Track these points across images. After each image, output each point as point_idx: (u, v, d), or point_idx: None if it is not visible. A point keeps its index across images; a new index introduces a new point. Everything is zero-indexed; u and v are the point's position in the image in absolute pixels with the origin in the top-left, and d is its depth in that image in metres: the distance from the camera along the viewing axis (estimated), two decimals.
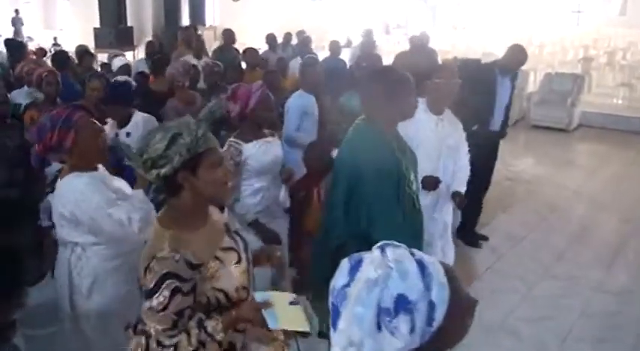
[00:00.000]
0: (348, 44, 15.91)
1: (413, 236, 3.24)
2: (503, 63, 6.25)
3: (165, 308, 2.12)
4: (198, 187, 2.25)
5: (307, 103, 5.90)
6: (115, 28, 17.68)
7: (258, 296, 2.26)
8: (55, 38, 20.77)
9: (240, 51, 10.01)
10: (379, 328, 1.37)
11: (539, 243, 6.65)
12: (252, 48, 9.64)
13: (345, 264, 1.49)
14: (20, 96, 6.38)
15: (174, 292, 2.11)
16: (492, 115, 6.18)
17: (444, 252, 4.51)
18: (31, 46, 14.23)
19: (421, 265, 1.42)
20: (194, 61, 8.86)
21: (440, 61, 10.46)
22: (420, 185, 3.66)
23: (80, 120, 3.16)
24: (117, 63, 7.43)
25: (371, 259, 1.44)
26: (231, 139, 4.08)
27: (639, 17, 34.22)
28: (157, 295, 2.11)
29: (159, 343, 2.17)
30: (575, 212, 7.73)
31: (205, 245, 2.25)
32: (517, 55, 6.18)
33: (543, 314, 5.14)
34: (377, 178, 3.08)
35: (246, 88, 4.18)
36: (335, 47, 10.33)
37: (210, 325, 2.19)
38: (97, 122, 3.27)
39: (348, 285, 1.43)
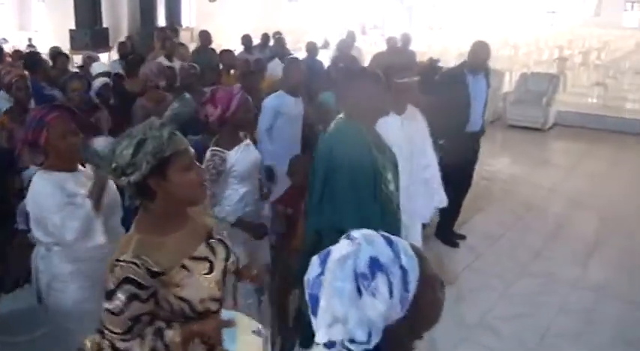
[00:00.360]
0: (325, 45, 15.94)
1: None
2: (469, 62, 6.29)
3: (120, 312, 2.10)
4: (171, 191, 2.21)
5: (283, 103, 5.86)
6: (90, 29, 17.51)
7: (225, 314, 2.24)
8: (29, 39, 20.56)
9: (217, 52, 10.01)
10: (360, 293, 1.42)
11: (516, 241, 6.70)
12: (228, 50, 9.64)
13: (314, 259, 1.54)
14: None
15: (131, 298, 2.09)
16: (469, 117, 6.19)
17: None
18: (6, 48, 14.05)
19: (387, 239, 1.52)
20: (166, 63, 8.84)
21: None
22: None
23: (52, 119, 3.15)
24: (97, 68, 7.26)
25: (339, 245, 1.52)
26: (213, 147, 3.97)
27: (613, 18, 34.71)
28: (113, 298, 2.10)
29: (112, 345, 2.15)
30: (552, 210, 7.81)
31: (173, 252, 2.20)
32: (478, 52, 6.21)
33: (521, 311, 5.18)
34: (351, 173, 3.13)
35: (226, 91, 4.11)
36: (311, 48, 10.35)
37: (168, 334, 2.16)
38: (69, 122, 3.22)
39: (321, 273, 1.49)
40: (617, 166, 10.02)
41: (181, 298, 2.20)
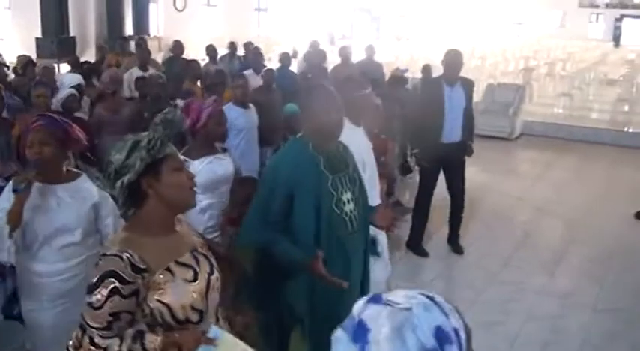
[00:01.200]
0: (294, 55, 15.97)
1: (341, 256, 3.15)
2: (444, 72, 6.36)
3: (101, 307, 2.10)
4: (162, 193, 2.26)
5: (230, 116, 5.79)
6: (57, 38, 17.36)
7: (212, 331, 2.20)
8: None
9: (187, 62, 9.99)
10: None
11: (484, 250, 6.76)
12: (194, 60, 9.60)
13: (341, 334, 1.29)
14: None
15: (113, 292, 2.10)
16: (442, 127, 6.21)
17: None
18: None
19: (428, 296, 1.30)
20: (140, 73, 8.80)
21: (385, 73, 10.66)
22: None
23: (33, 128, 3.26)
24: (68, 80, 7.03)
25: (374, 312, 1.26)
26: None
27: (578, 29, 35.27)
28: (95, 291, 2.11)
29: (91, 340, 2.13)
30: (519, 219, 7.89)
31: (159, 253, 2.22)
32: (451, 62, 6.24)
33: (492, 319, 5.22)
34: (290, 191, 3.05)
35: (199, 102, 4.17)
36: (284, 58, 10.36)
37: (148, 339, 2.16)
38: (44, 133, 3.25)
39: (363, 349, 1.23)
40: (583, 175, 10.17)
41: (162, 302, 2.20)
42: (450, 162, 6.44)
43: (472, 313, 5.32)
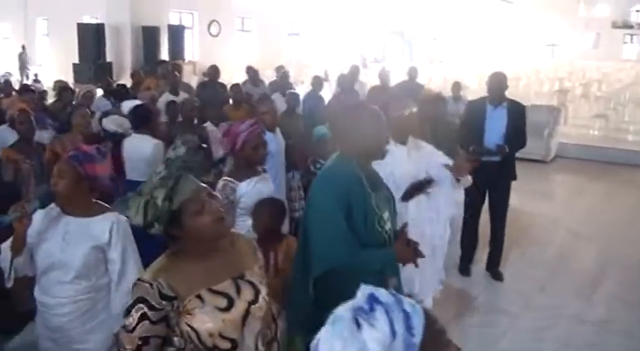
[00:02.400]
0: (326, 78, 16.04)
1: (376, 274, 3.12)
2: (488, 94, 6.43)
3: (132, 330, 2.19)
4: (191, 235, 2.32)
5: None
6: (94, 64, 17.71)
7: None
8: (35, 75, 20.75)
9: (226, 87, 10.10)
10: (358, 326, 1.38)
11: (519, 274, 6.68)
12: (237, 84, 9.63)
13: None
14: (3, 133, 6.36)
15: (142, 317, 2.18)
16: (481, 143, 6.24)
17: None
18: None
19: (391, 292, 1.47)
20: (171, 97, 8.91)
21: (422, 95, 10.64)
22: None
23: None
24: (103, 104, 7.03)
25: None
26: (226, 177, 4.13)
27: (612, 50, 34.96)
28: (129, 315, 2.21)
29: None
30: (554, 243, 7.79)
31: (194, 279, 2.28)
32: (491, 84, 6.35)
33: (527, 347, 5.16)
34: (348, 207, 3.02)
35: (237, 125, 4.23)
36: (316, 82, 10.41)
37: None
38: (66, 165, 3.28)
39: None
40: (618, 198, 10.02)
41: (191, 327, 2.24)
42: (494, 185, 6.41)
43: (507, 340, 5.27)
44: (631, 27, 37.21)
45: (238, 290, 2.34)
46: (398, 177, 4.09)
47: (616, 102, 16.93)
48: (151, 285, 2.21)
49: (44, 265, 3.23)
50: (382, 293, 1.45)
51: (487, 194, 6.53)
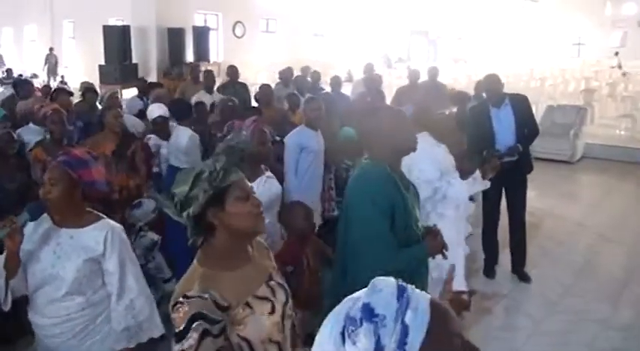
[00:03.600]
0: (350, 79, 16.02)
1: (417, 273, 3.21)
2: (487, 97, 6.49)
3: None
4: (229, 223, 2.23)
5: (305, 137, 5.83)
6: (120, 65, 17.83)
7: None
8: (62, 76, 20.96)
9: (246, 87, 10.14)
10: (343, 339, 1.32)
11: (544, 277, 6.62)
12: (266, 84, 9.63)
13: None
14: (26, 133, 6.41)
15: (204, 334, 2.00)
16: (493, 147, 6.20)
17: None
18: (36, 84, 14.33)
19: (401, 289, 1.38)
20: (207, 96, 8.95)
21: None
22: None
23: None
24: (155, 111, 7.01)
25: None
26: None
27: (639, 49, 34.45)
28: (186, 337, 2.00)
29: None
30: (580, 245, 7.71)
31: (238, 288, 2.20)
32: (488, 86, 6.45)
33: None
34: (392, 212, 3.04)
35: (239, 124, 4.22)
36: (335, 82, 10.38)
37: None
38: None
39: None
40: None
41: (242, 338, 2.16)
42: (510, 182, 6.38)
43: (531, 344, 5.23)
44: None
45: (274, 293, 2.32)
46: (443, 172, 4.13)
47: None
48: (205, 298, 2.05)
49: (35, 282, 3.02)
50: (382, 299, 1.34)
51: (504, 193, 6.52)
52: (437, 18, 32.37)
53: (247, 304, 2.19)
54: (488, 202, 6.56)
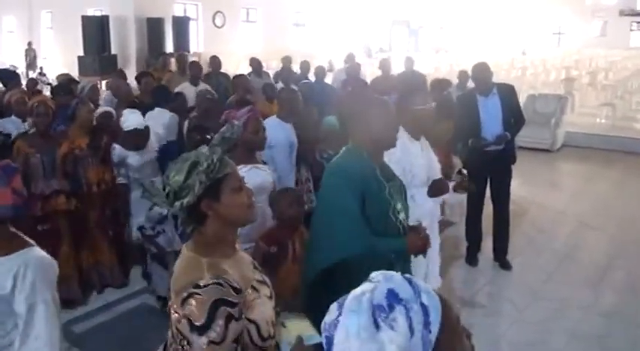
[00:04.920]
0: (331, 68, 15.98)
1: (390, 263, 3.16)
2: (475, 86, 6.48)
3: (224, 338, 1.98)
4: (223, 213, 2.22)
5: (274, 134, 5.58)
6: (99, 56, 17.68)
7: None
8: (41, 68, 20.75)
9: (229, 78, 10.05)
10: (377, 327, 1.34)
11: (526, 265, 6.64)
12: (242, 75, 9.56)
13: (334, 305, 1.47)
14: (8, 125, 6.36)
15: (229, 319, 2.00)
16: (480, 134, 6.23)
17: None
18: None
19: (408, 278, 1.44)
20: (192, 88, 8.84)
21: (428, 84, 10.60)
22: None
23: None
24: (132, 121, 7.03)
25: (361, 286, 1.45)
26: None
27: (619, 38, 34.76)
28: (212, 327, 1.97)
29: None
30: (562, 233, 7.75)
31: (241, 273, 2.20)
32: (476, 75, 6.39)
33: (534, 338, 5.11)
34: (355, 201, 3.02)
35: (234, 112, 4.20)
36: (319, 72, 10.34)
37: None
38: None
39: (339, 315, 1.41)
40: (626, 187, 9.96)
41: (250, 321, 2.15)
42: (495, 171, 6.41)
43: (514, 331, 5.23)
44: (638, 14, 36.95)
45: (263, 276, 2.35)
46: (415, 173, 4.07)
47: (623, 90, 16.85)
48: (220, 284, 2.03)
49: None
50: (399, 285, 1.40)
51: (489, 182, 6.53)
52: (418, 8, 32.39)
53: (253, 287, 2.22)
54: (473, 191, 6.56)
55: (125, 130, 5.94)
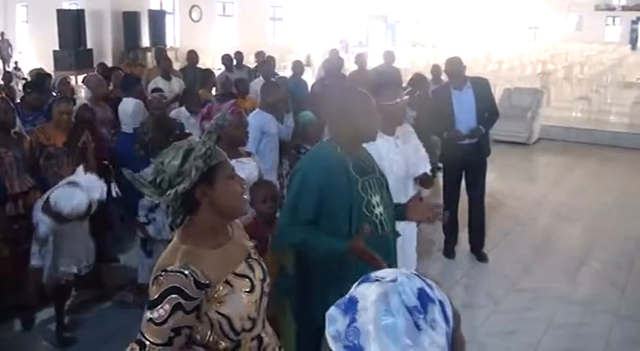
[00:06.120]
0: (309, 63, 15.97)
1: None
2: (449, 80, 6.52)
3: (164, 322, 2.03)
4: (216, 201, 2.23)
5: (264, 121, 5.78)
6: (74, 50, 17.51)
7: None
8: (16, 62, 20.50)
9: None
10: (419, 328, 1.30)
11: (503, 257, 6.69)
12: (208, 69, 9.56)
13: (333, 311, 1.40)
14: None
15: (176, 307, 2.04)
16: (454, 128, 6.25)
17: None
18: None
19: (417, 274, 1.41)
20: (164, 82, 8.82)
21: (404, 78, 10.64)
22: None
23: None
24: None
25: (363, 287, 1.38)
26: None
27: (594, 32, 35.09)
28: (158, 307, 2.04)
29: None
30: (538, 225, 7.81)
31: (218, 266, 2.20)
32: (450, 69, 6.41)
33: (512, 328, 5.16)
34: (320, 193, 3.04)
35: (219, 107, 4.16)
36: (298, 67, 10.31)
37: None
38: None
39: (354, 320, 1.34)
40: (602, 179, 10.05)
41: (222, 314, 2.17)
42: (470, 164, 6.45)
43: (491, 321, 5.28)
44: (613, 9, 37.34)
45: (252, 270, 2.32)
46: (387, 169, 4.06)
47: (598, 84, 16.98)
48: (184, 274, 2.07)
49: None
50: (424, 283, 1.37)
51: (464, 175, 6.57)
52: (395, 2, 32.43)
53: (227, 282, 2.20)
54: (449, 184, 6.61)
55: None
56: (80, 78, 14.78)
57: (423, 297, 1.32)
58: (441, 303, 1.35)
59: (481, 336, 5.02)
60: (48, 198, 4.47)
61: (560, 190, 9.44)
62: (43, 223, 4.61)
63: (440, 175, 6.89)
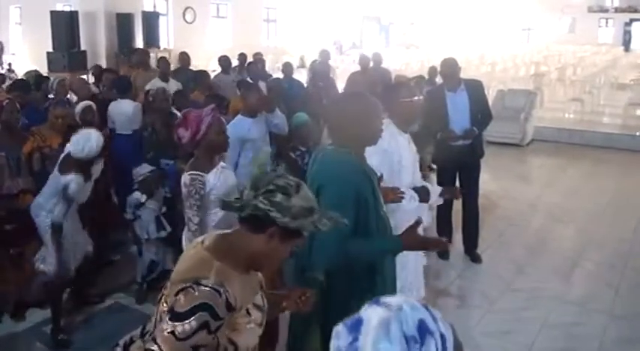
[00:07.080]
0: (302, 65, 15.97)
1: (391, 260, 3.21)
2: (443, 81, 6.57)
3: (186, 338, 1.92)
4: (264, 249, 2.12)
5: (244, 127, 5.72)
6: (68, 52, 17.45)
7: None
8: (9, 64, 20.43)
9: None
10: None
11: (497, 258, 6.72)
12: (203, 71, 9.55)
13: (340, 328, 1.41)
14: None
15: (203, 326, 1.93)
16: (447, 128, 6.28)
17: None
18: None
19: (425, 305, 1.42)
20: (161, 84, 8.78)
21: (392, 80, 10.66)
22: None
23: None
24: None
25: (372, 310, 1.39)
26: (191, 171, 3.85)
27: (588, 34, 35.19)
28: (184, 321, 1.93)
29: None
30: (532, 226, 7.84)
31: (244, 293, 2.12)
32: (444, 70, 6.46)
33: (506, 328, 5.18)
34: (357, 198, 2.96)
35: (197, 112, 4.03)
36: (287, 68, 10.30)
37: None
38: None
39: (355, 339, 1.35)
40: (595, 180, 10.10)
41: (232, 342, 2.08)
42: (464, 165, 6.48)
43: (486, 322, 5.30)
44: (606, 11, 37.48)
45: (263, 303, 2.27)
46: (404, 165, 4.07)
47: (591, 86, 17.04)
48: (219, 292, 1.97)
49: None
50: (426, 314, 1.37)
51: (457, 176, 6.57)
52: (389, 3, 32.47)
53: (247, 311, 2.13)
54: (443, 185, 6.61)
55: None
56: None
57: (423, 328, 1.34)
58: (442, 336, 1.36)
59: (476, 336, 5.03)
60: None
61: (553, 191, 9.47)
62: (43, 223, 4.74)
63: (433, 176, 6.91)
